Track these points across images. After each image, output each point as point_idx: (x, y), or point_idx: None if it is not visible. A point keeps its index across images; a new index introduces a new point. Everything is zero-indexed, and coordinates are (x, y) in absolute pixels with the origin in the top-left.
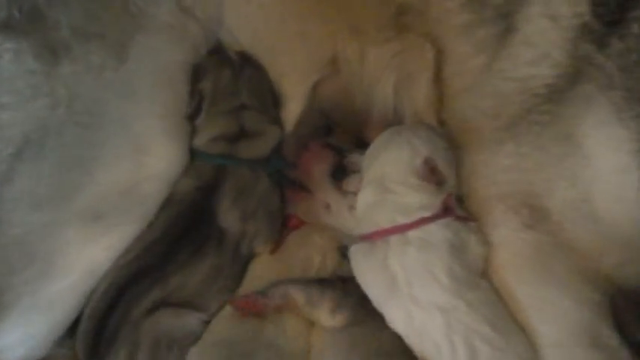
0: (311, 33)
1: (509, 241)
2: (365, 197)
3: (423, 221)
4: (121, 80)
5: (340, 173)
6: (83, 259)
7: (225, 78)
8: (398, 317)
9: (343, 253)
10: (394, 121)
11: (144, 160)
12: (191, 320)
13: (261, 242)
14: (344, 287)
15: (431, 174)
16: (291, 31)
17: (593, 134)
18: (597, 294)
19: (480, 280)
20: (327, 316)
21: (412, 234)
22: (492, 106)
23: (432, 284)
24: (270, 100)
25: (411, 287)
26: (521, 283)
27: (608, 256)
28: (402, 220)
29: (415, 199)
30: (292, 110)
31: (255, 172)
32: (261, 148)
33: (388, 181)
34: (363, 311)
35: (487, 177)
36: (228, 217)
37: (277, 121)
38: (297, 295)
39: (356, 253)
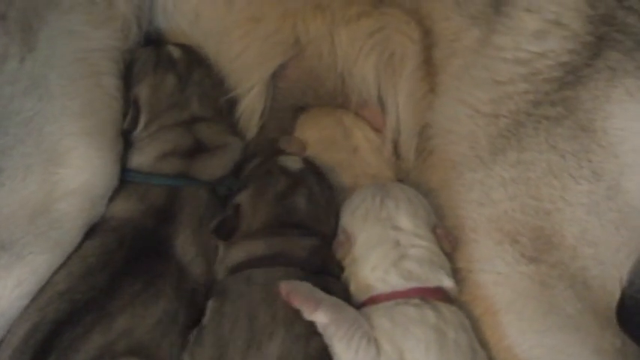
0: (265, 15)
1: (507, 277)
2: (381, 253)
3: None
4: (28, 72)
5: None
6: None
7: (168, 85)
8: None
9: None
10: (376, 108)
11: (59, 173)
12: None
13: None
14: None
15: (446, 238)
16: (242, 15)
17: (618, 112)
18: (619, 339)
19: None
20: None
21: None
22: (490, 101)
23: None
24: (225, 106)
25: None
26: (524, 331)
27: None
28: (448, 282)
29: (446, 261)
30: (252, 106)
31: (214, 197)
32: (222, 166)
33: (409, 236)
34: None
35: (480, 198)
36: (189, 252)
37: (236, 132)
38: None
39: (396, 311)
